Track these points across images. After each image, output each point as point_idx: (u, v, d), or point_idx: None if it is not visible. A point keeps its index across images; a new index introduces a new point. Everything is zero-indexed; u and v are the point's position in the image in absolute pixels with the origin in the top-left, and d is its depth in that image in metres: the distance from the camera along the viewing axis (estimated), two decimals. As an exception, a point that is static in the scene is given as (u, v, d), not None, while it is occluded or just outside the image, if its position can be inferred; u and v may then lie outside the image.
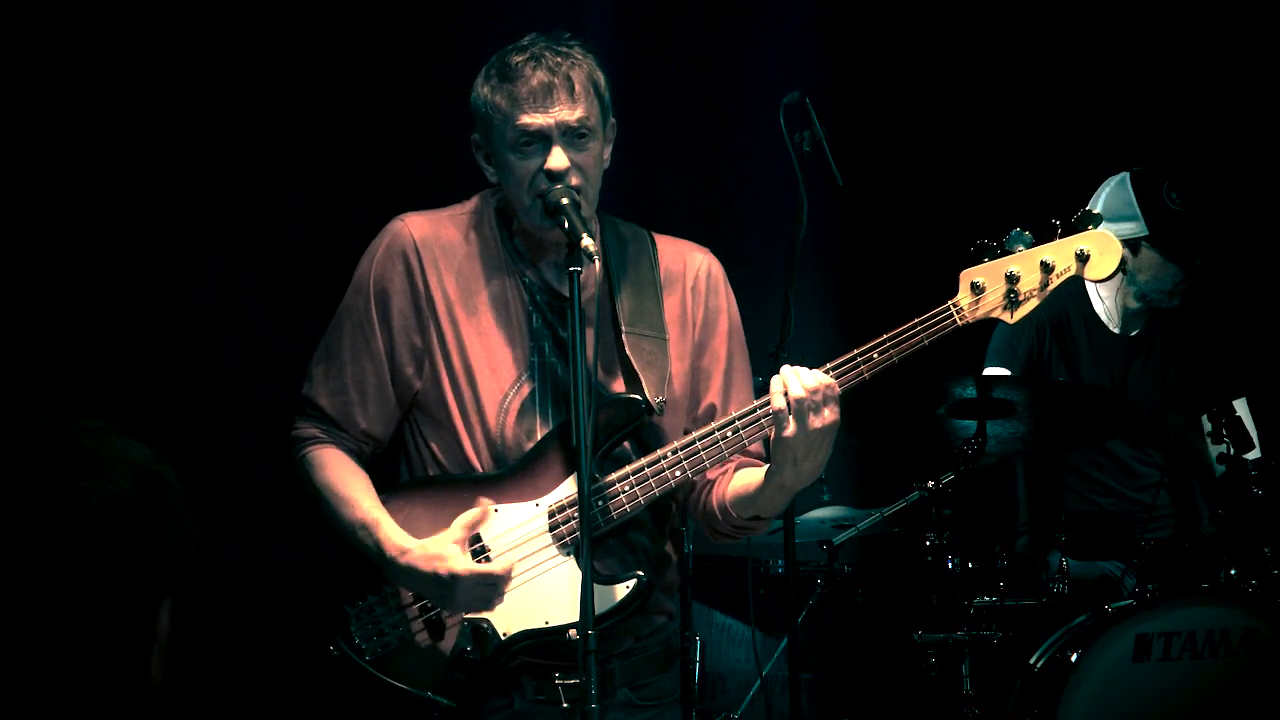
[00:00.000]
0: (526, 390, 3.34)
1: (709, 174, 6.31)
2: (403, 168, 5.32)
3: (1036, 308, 5.22)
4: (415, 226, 3.40)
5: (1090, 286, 5.33)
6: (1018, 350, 5.23)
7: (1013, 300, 3.32)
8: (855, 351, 3.28)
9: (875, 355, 3.28)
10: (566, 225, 3.19)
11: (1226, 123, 6.17)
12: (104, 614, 1.71)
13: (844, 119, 5.06)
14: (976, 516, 5.02)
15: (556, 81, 3.26)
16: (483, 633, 3.25)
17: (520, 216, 3.35)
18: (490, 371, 3.34)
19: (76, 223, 4.91)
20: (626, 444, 3.36)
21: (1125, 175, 5.15)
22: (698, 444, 3.27)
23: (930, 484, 4.89)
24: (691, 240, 3.61)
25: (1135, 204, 5.11)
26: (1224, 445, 4.89)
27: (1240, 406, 5.16)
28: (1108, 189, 5.15)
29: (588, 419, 3.06)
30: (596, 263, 3.14)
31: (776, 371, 4.07)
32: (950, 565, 4.89)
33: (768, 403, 3.25)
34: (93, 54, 4.91)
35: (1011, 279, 3.33)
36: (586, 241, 3.14)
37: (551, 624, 3.24)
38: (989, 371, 5.15)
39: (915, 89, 6.34)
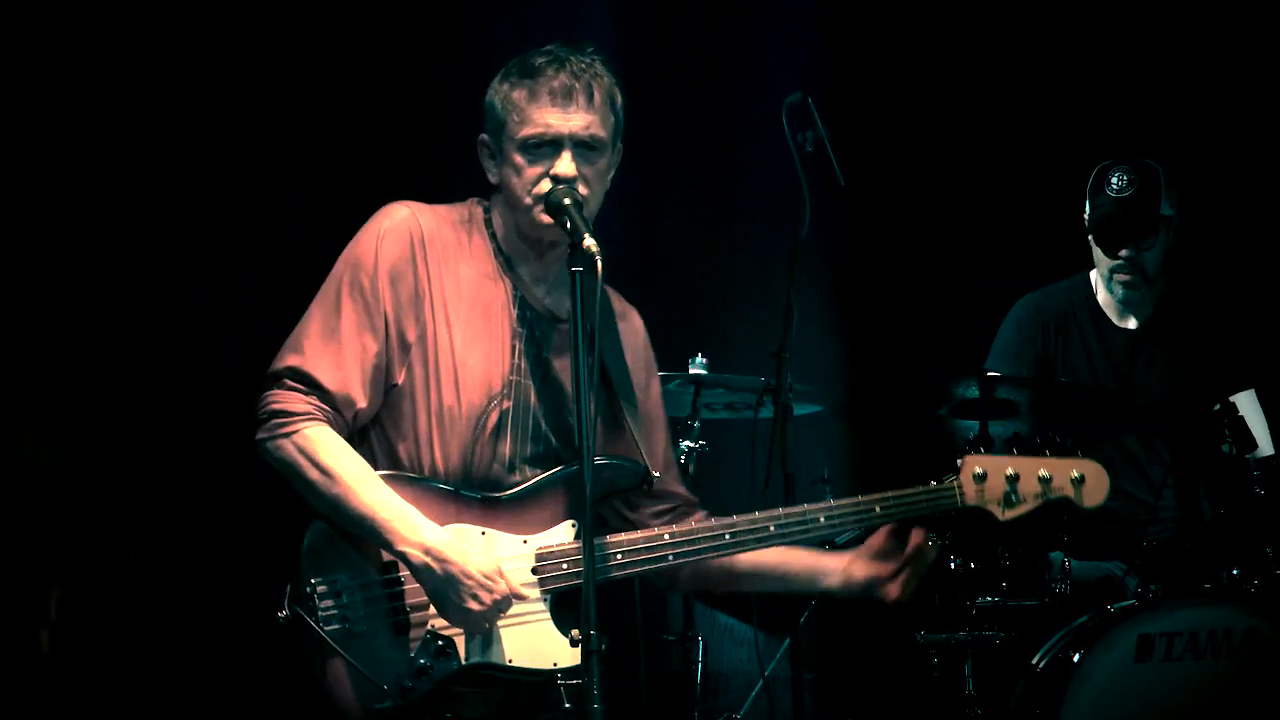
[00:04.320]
0: (503, 408, 3.33)
1: (711, 174, 6.31)
2: (403, 168, 5.31)
3: (1043, 305, 5.31)
4: (422, 216, 3.36)
5: (1094, 280, 5.35)
6: (1024, 352, 5.25)
7: (1009, 500, 3.51)
8: (860, 499, 3.45)
9: (877, 509, 3.46)
10: (569, 226, 3.19)
11: (1229, 120, 6.17)
12: None
13: (845, 119, 5.04)
14: (978, 517, 5.01)
15: (578, 87, 3.26)
16: (444, 651, 3.23)
17: (517, 216, 3.33)
18: (470, 382, 3.32)
19: (77, 224, 4.90)
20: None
21: (1110, 164, 5.26)
22: (697, 535, 3.33)
23: (933, 484, 4.88)
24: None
25: (1088, 188, 5.25)
26: (1226, 445, 4.88)
27: (1249, 400, 5.16)
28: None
29: (591, 428, 3.05)
30: (599, 265, 3.12)
31: (778, 371, 4.09)
32: (952, 565, 4.88)
33: (775, 518, 3.37)
34: (93, 54, 4.91)
35: (1012, 480, 3.51)
36: (589, 242, 3.13)
37: (514, 665, 3.24)
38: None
39: (916, 88, 6.33)
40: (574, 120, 3.27)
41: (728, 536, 3.35)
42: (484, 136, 3.37)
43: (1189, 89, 6.18)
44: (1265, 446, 5.09)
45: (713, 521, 3.36)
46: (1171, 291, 5.34)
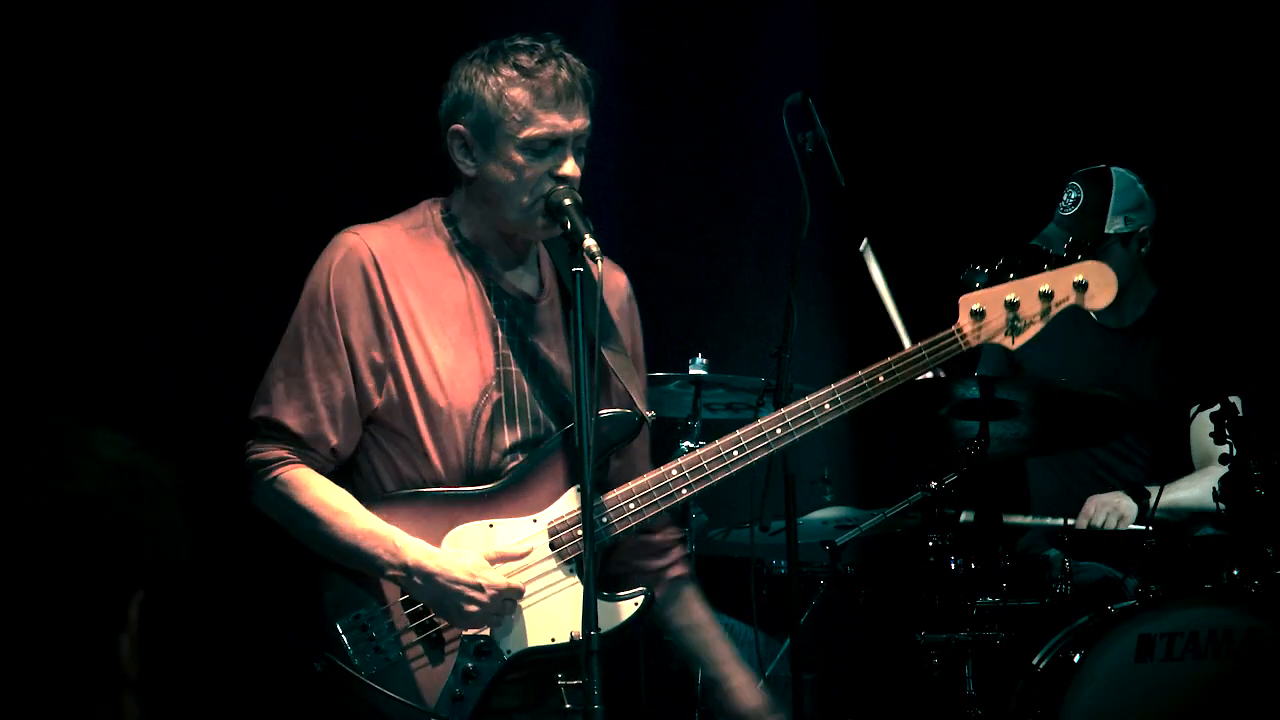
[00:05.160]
0: (495, 399, 3.31)
1: (711, 174, 6.31)
2: (403, 168, 5.30)
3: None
4: (371, 239, 3.33)
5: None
6: (996, 362, 5.25)
7: (1014, 327, 3.40)
8: (861, 374, 3.33)
9: (881, 378, 3.35)
10: (569, 225, 3.19)
11: (1223, 124, 6.17)
12: (66, 609, 1.71)
13: (845, 119, 5.04)
14: (979, 517, 5.01)
15: (577, 85, 3.25)
16: (486, 650, 3.24)
17: (508, 214, 3.31)
18: (458, 383, 3.30)
19: (79, 224, 4.89)
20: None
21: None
22: (703, 462, 3.29)
23: (933, 484, 4.89)
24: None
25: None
26: (1226, 445, 4.87)
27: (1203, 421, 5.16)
28: None
29: (590, 423, 3.05)
30: (598, 264, 3.12)
31: (778, 371, 4.09)
32: (953, 566, 4.88)
33: (779, 420, 3.30)
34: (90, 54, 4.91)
35: (1011, 306, 3.40)
36: (589, 241, 3.13)
37: (557, 642, 3.23)
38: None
39: (917, 88, 6.34)
40: (577, 120, 3.27)
41: (735, 453, 3.31)
42: (460, 128, 3.32)
43: (1185, 91, 6.18)
44: (1189, 496, 5.07)
45: (717, 444, 3.31)
46: (1164, 294, 5.33)
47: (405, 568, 3.21)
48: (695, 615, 3.53)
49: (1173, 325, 5.30)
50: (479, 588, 3.17)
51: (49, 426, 1.77)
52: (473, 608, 3.18)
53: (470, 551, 3.23)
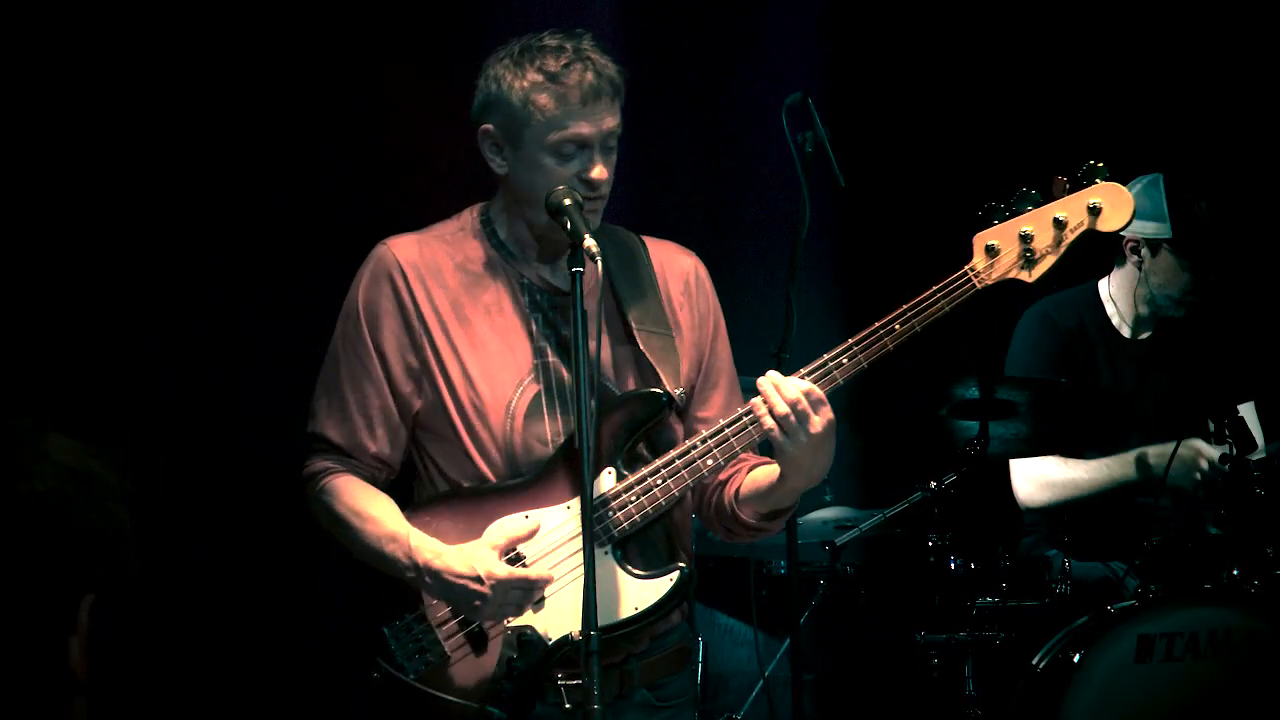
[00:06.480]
0: (532, 393, 3.32)
1: (711, 174, 6.31)
2: (403, 168, 5.31)
3: (1055, 320, 5.26)
4: (398, 248, 3.38)
5: (1103, 291, 5.33)
6: (1044, 362, 5.21)
7: (1029, 259, 3.29)
8: (877, 324, 3.26)
9: (897, 326, 3.26)
10: (569, 225, 3.19)
11: (1230, 118, 6.17)
12: (17, 611, 1.71)
13: (845, 119, 5.04)
14: (979, 517, 5.01)
15: (603, 86, 3.25)
16: (528, 640, 3.24)
17: (536, 215, 3.32)
18: (491, 379, 3.31)
19: (79, 225, 4.89)
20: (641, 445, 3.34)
21: (1158, 176, 5.16)
22: (726, 430, 3.27)
23: (933, 485, 4.89)
24: (692, 240, 3.62)
25: (1165, 207, 5.13)
26: (1226, 446, 4.88)
27: (1246, 409, 5.15)
28: (1138, 186, 5.12)
29: (590, 419, 3.05)
30: (598, 263, 3.12)
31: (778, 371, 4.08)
32: (953, 566, 4.89)
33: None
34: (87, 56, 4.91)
35: (1025, 239, 3.29)
36: (589, 242, 3.13)
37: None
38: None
39: (917, 89, 6.33)
40: (603, 122, 3.27)
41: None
42: (490, 128, 3.33)
43: (1193, 93, 6.18)
44: (1260, 452, 5.08)
45: (739, 410, 3.27)
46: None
47: (416, 568, 3.22)
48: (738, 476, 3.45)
49: (1187, 336, 5.29)
50: (479, 579, 3.17)
51: (5, 427, 1.77)
52: (478, 600, 3.19)
53: (475, 544, 3.24)
